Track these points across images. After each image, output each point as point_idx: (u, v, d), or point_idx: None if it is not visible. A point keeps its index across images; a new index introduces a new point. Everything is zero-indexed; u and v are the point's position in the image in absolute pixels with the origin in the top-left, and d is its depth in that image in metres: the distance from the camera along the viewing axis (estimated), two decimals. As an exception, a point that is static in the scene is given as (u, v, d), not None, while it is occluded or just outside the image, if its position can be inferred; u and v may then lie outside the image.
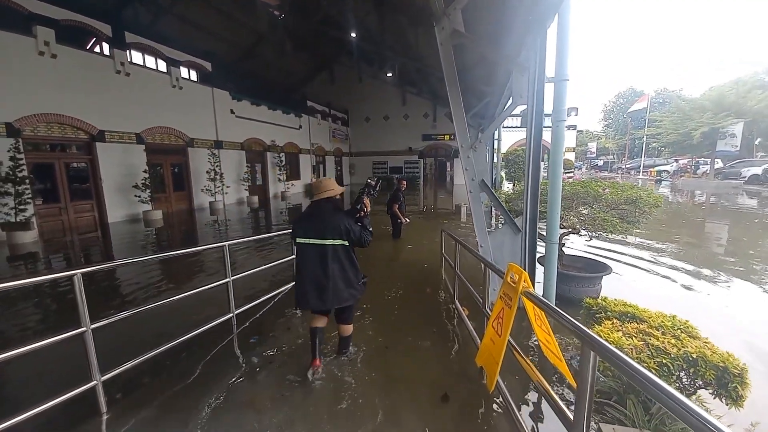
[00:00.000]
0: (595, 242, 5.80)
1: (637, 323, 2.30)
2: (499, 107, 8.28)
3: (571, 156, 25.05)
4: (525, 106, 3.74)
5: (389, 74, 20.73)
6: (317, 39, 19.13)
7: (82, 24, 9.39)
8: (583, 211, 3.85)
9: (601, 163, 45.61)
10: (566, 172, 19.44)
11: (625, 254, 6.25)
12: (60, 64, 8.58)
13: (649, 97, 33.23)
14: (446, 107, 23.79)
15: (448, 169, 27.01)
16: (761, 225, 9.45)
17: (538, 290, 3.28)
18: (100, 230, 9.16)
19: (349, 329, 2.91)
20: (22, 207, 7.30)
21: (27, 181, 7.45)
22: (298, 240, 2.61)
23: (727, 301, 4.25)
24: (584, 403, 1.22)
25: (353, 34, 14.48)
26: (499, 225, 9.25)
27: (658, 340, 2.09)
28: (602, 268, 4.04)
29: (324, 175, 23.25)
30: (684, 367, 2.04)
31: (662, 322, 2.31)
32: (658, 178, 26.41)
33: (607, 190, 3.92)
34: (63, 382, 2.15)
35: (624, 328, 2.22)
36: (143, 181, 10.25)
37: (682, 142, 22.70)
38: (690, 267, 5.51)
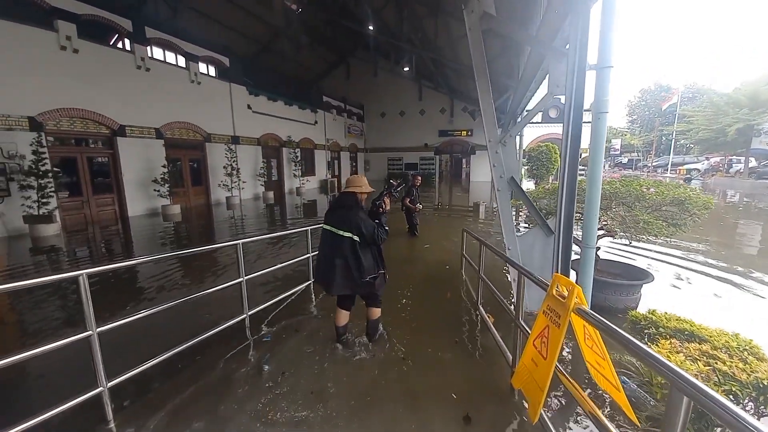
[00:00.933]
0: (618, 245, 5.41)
1: (698, 343, 2.01)
2: (524, 100, 7.86)
3: (593, 153, 23.96)
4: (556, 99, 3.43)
5: (406, 68, 20.36)
6: (333, 33, 18.99)
7: (104, 19, 9.47)
8: (622, 213, 3.51)
9: (625, 160, 43.82)
10: (583, 168, 18.61)
11: (657, 260, 5.83)
12: (82, 59, 8.68)
13: (679, 92, 31.61)
14: (463, 102, 23.39)
15: (464, 166, 26.50)
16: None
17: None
18: (121, 224, 9.29)
19: (375, 312, 3.05)
20: (44, 200, 7.43)
21: (50, 174, 7.56)
22: (325, 225, 2.84)
23: None
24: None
25: (370, 27, 14.19)
26: (519, 227, 8.88)
27: (725, 364, 1.80)
28: (643, 275, 3.70)
29: (338, 171, 23.18)
30: (753, 395, 1.75)
31: (727, 341, 2.01)
32: (688, 176, 25.10)
33: (651, 189, 3.57)
34: (68, 388, 2.04)
35: (685, 349, 1.93)
36: (162, 176, 10.35)
37: (714, 139, 21.46)
38: (734, 275, 5.05)
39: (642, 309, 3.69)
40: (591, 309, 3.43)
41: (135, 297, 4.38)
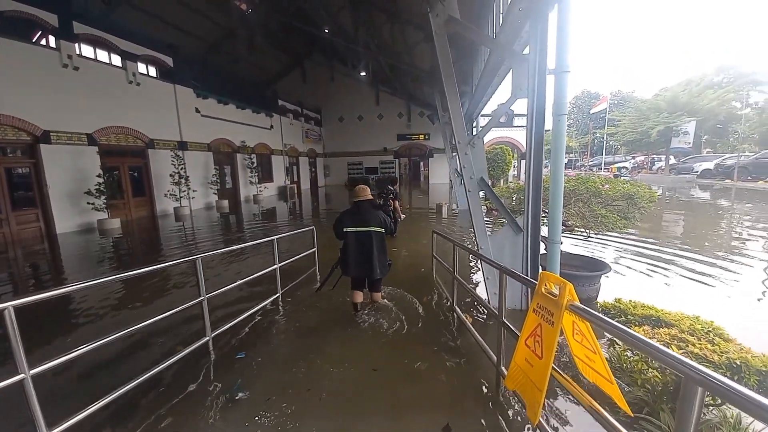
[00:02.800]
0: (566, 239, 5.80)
1: (667, 328, 2.15)
2: (480, 104, 8.19)
3: (540, 154, 25.77)
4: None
5: (363, 73, 20.38)
6: (288, 35, 18.48)
7: (26, 14, 8.33)
8: (581, 209, 3.73)
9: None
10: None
11: (599, 251, 6.33)
12: (0, 59, 7.54)
13: (608, 99, 35.12)
14: (420, 107, 23.91)
15: (422, 169, 27.11)
16: (723, 215, 10.04)
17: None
18: (48, 243, 8.15)
19: (379, 296, 3.90)
20: (-52, 219, 6.29)
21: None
22: (347, 228, 3.60)
23: (726, 292, 4.29)
24: (685, 451, 0.98)
25: (326, 30, 14.01)
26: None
27: (695, 347, 1.94)
28: (601, 267, 3.96)
29: (298, 177, 22.53)
30: (727, 374, 1.90)
31: (691, 325, 2.17)
32: (618, 174, 27.90)
33: (606, 186, 3.84)
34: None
35: (657, 335, 2.05)
36: (97, 187, 9.28)
37: (639, 140, 24.11)
38: (670, 257, 5.62)
39: (601, 298, 3.96)
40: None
41: (74, 330, 3.81)
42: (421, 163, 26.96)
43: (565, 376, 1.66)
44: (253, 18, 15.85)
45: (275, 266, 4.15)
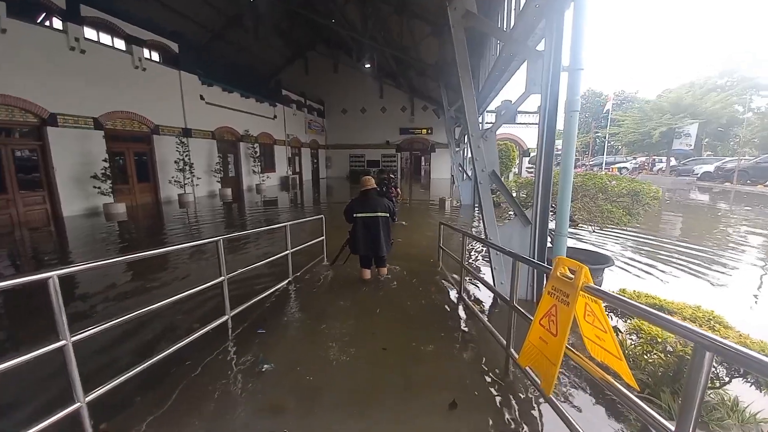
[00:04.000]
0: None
1: (670, 315, 2.26)
2: (488, 99, 8.22)
3: (541, 152, 25.75)
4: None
5: (367, 65, 20.31)
6: (292, 25, 18.36)
7: None
8: (590, 204, 3.84)
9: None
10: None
11: (601, 246, 6.46)
12: (7, 40, 7.52)
13: (611, 99, 35.09)
14: (423, 101, 23.86)
15: (423, 164, 27.14)
16: (727, 217, 10.19)
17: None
18: (54, 225, 8.22)
19: (384, 270, 4.53)
20: (-42, 198, 6.35)
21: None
22: (357, 214, 4.17)
23: (724, 287, 4.43)
24: (692, 412, 1.10)
25: (333, 21, 13.93)
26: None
27: (696, 332, 2.06)
28: (604, 260, 4.08)
29: (300, 168, 22.54)
30: None
31: (693, 313, 2.29)
32: (618, 174, 28.04)
33: (613, 182, 3.95)
34: (40, 407, 1.78)
35: (660, 321, 2.17)
36: (103, 171, 9.32)
37: (641, 140, 24.19)
38: (678, 256, 5.75)
39: (607, 286, 4.09)
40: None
41: (96, 304, 3.93)
42: (423, 158, 27.00)
43: (576, 352, 1.78)
44: (258, 7, 15.75)
45: (288, 251, 4.26)
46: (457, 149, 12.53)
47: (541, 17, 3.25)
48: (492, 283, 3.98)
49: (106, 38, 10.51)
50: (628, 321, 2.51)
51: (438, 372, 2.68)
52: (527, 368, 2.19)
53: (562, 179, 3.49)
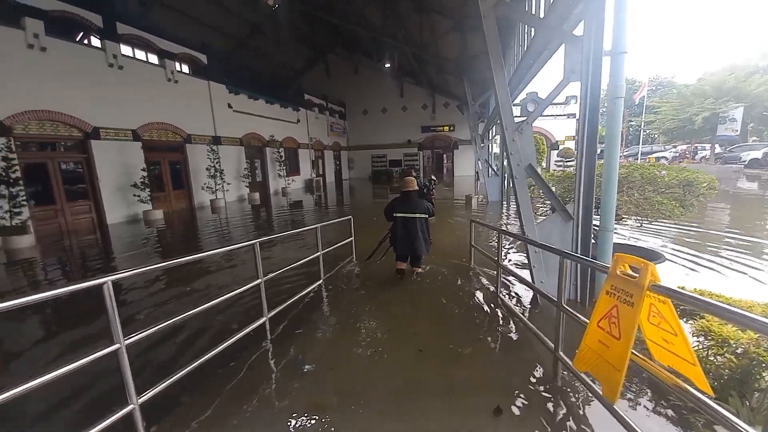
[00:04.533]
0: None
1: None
2: (518, 89, 7.92)
3: (572, 144, 24.72)
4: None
5: (387, 65, 20.27)
6: (312, 29, 18.61)
7: (72, 15, 8.85)
8: (637, 196, 3.59)
9: (598, 151, 45.48)
10: (569, 161, 19.24)
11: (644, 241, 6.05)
12: (50, 58, 8.07)
13: (646, 85, 33.09)
14: (445, 98, 23.52)
15: (445, 161, 26.71)
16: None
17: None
18: (100, 232, 8.74)
19: (419, 269, 4.58)
20: (17, 210, 6.87)
21: (20, 182, 7.00)
22: (397, 214, 4.31)
23: None
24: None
25: (352, 22, 13.99)
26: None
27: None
28: (654, 257, 3.80)
29: (323, 170, 22.85)
30: None
31: (764, 311, 2.07)
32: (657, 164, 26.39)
33: (663, 172, 3.67)
34: (94, 409, 1.85)
35: (734, 323, 1.97)
36: (142, 180, 9.83)
37: (681, 128, 22.69)
38: (732, 251, 5.30)
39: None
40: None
41: (140, 308, 4.11)
42: (444, 156, 26.60)
43: (641, 356, 1.63)
44: (279, 13, 16.09)
45: (319, 253, 4.27)
46: (482, 145, 12.23)
47: (579, 1, 3.05)
48: (532, 280, 3.81)
49: (140, 54, 11.09)
50: (692, 322, 2.30)
51: (479, 375, 2.58)
52: (583, 373, 2.05)
53: (606, 171, 3.30)
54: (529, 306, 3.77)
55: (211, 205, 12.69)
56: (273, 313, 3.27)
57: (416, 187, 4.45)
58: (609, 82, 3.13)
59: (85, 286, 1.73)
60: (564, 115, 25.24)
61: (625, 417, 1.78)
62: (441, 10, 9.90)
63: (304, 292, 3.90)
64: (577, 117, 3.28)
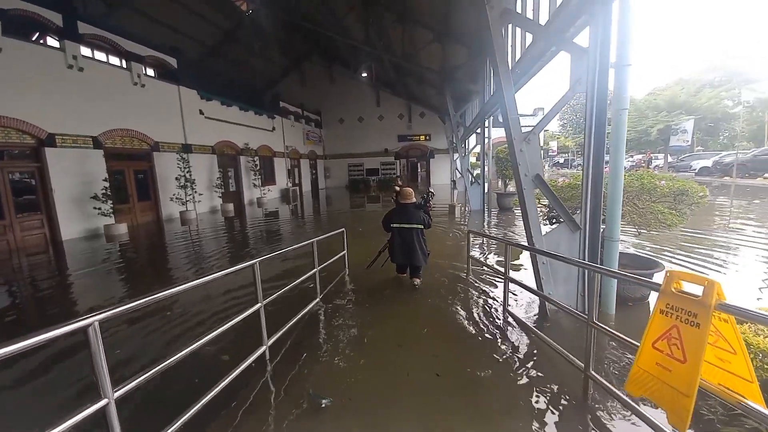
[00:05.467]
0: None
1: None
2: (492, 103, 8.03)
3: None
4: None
5: (364, 74, 20.28)
6: (289, 36, 18.29)
7: (30, 13, 8.05)
8: (639, 205, 3.65)
9: (561, 160, 48.06)
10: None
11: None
12: (3, 59, 7.26)
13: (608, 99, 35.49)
14: (421, 108, 23.85)
15: (419, 170, 26.92)
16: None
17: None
18: (53, 250, 7.85)
19: (418, 280, 4.54)
20: (-47, 226, 6.00)
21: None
22: (394, 225, 4.40)
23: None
24: None
25: (332, 32, 13.86)
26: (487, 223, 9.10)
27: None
28: (652, 265, 3.86)
29: (299, 179, 22.31)
30: None
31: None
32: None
33: (663, 182, 3.76)
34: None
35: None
36: (103, 191, 9.00)
37: (638, 138, 24.35)
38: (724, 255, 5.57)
39: (654, 297, 3.86)
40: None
41: (115, 341, 3.61)
42: (419, 164, 26.85)
43: (709, 382, 1.54)
44: (254, 20, 15.69)
45: (315, 269, 4.00)
46: (464, 155, 12.40)
47: (584, 11, 3.08)
48: (539, 289, 3.75)
49: (104, 55, 10.29)
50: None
51: (505, 399, 2.42)
52: (618, 390, 1.95)
53: (612, 180, 3.31)
54: (535, 317, 3.69)
55: (180, 218, 11.88)
56: (273, 339, 2.97)
57: (414, 200, 4.52)
58: (613, 94, 3.17)
59: (69, 329, 1.40)
60: (530, 126, 26.48)
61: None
62: (423, 21, 10.00)
63: (302, 313, 3.60)
64: (584, 128, 3.29)
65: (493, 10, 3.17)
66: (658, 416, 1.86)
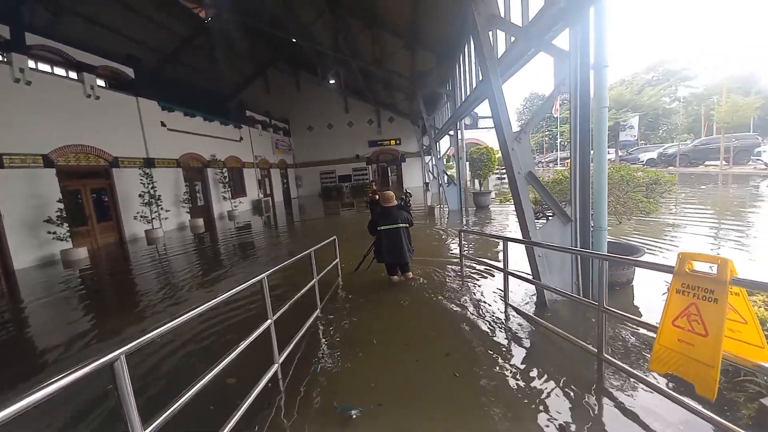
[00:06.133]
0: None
1: None
2: (476, 103, 8.33)
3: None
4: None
5: (332, 81, 20.20)
6: (252, 43, 17.84)
7: None
8: (619, 194, 3.91)
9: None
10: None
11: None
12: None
13: (558, 100, 37.87)
14: (390, 113, 24.12)
15: (390, 174, 27.14)
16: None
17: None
18: (5, 281, 7.05)
19: (410, 274, 4.80)
20: None
21: None
22: (381, 227, 4.59)
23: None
24: None
25: (300, 39, 13.70)
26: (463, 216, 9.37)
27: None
28: (634, 251, 4.13)
29: (271, 190, 21.71)
30: None
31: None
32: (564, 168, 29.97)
33: (639, 173, 4.06)
34: None
35: None
36: (58, 213, 8.25)
37: (592, 135, 26.17)
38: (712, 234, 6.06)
39: (636, 282, 4.15)
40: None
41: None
42: (389, 168, 27.08)
43: (726, 351, 1.67)
44: (214, 26, 15.17)
45: (314, 280, 3.91)
46: (440, 157, 12.67)
47: (564, 17, 3.27)
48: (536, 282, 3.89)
49: (54, 67, 9.47)
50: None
51: (525, 391, 2.47)
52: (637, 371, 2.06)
53: (597, 173, 3.51)
54: (534, 307, 3.82)
55: (146, 237, 11.12)
56: (284, 356, 2.85)
57: (396, 202, 4.80)
58: (594, 93, 3.38)
59: (94, 367, 1.26)
60: (491, 127, 27.69)
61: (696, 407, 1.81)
62: (392, 28, 10.16)
63: (306, 326, 3.49)
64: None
65: (481, 16, 3.30)
66: (679, 391, 1.99)
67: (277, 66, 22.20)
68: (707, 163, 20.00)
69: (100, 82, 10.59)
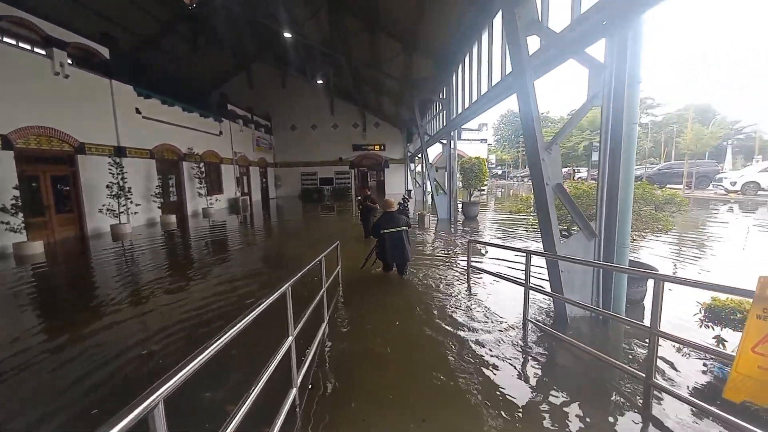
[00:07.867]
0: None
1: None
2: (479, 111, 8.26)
3: (485, 165, 27.94)
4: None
5: (320, 81, 19.81)
6: (238, 34, 17.14)
7: None
8: (639, 211, 3.91)
9: (500, 172, 52.07)
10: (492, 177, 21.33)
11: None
12: None
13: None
14: (376, 117, 23.99)
15: (369, 180, 26.91)
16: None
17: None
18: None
19: (405, 275, 5.20)
20: None
21: None
22: (384, 231, 4.96)
23: None
24: None
25: (293, 35, 13.27)
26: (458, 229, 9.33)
27: None
28: (648, 268, 4.15)
29: (249, 188, 20.80)
30: None
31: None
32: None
33: (659, 192, 4.09)
34: None
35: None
36: (13, 202, 7.32)
37: (567, 154, 27.44)
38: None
39: (647, 301, 4.15)
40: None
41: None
42: (369, 174, 26.86)
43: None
44: (199, 13, 14.43)
45: (323, 289, 3.58)
46: (431, 164, 12.63)
47: (604, 28, 3.21)
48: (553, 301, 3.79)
49: (19, 40, 8.49)
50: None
51: (570, 419, 2.31)
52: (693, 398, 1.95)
53: (623, 189, 3.47)
54: (553, 325, 3.71)
55: (112, 232, 10.13)
56: (300, 377, 2.52)
57: (396, 207, 5.28)
58: (626, 109, 3.35)
59: (134, 416, 0.91)
60: (477, 140, 28.36)
61: None
62: (392, 32, 10.04)
63: (318, 339, 3.15)
64: (598, 141, 3.43)
65: (521, 20, 3.18)
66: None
67: (263, 59, 21.52)
68: (669, 186, 21.39)
69: (71, 60, 9.63)
